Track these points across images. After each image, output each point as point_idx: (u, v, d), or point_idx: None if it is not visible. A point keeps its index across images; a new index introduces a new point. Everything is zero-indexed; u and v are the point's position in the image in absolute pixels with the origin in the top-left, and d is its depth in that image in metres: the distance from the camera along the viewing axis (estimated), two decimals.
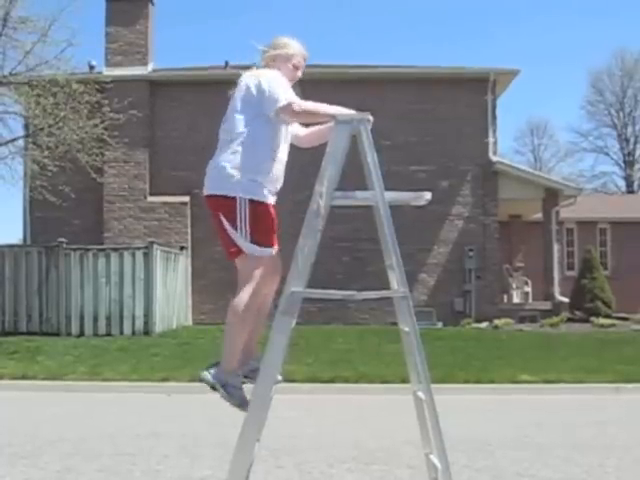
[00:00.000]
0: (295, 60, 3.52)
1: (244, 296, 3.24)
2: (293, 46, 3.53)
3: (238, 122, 3.33)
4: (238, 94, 3.40)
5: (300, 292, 3.05)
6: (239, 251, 3.25)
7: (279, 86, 3.30)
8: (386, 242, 3.14)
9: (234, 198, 3.22)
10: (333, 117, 3.19)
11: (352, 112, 3.22)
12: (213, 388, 3.26)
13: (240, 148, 3.27)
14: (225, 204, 3.23)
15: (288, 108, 3.24)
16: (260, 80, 3.33)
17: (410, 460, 4.87)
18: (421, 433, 3.32)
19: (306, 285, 3.09)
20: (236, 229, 3.21)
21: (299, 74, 3.57)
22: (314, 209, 3.09)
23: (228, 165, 3.25)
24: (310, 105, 3.28)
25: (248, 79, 3.39)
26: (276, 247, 3.35)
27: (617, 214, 21.81)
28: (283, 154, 3.45)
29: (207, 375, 3.26)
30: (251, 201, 3.22)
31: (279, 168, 3.41)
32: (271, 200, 3.36)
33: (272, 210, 3.35)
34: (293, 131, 3.60)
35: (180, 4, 57.40)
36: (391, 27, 59.59)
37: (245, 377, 3.38)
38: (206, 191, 3.33)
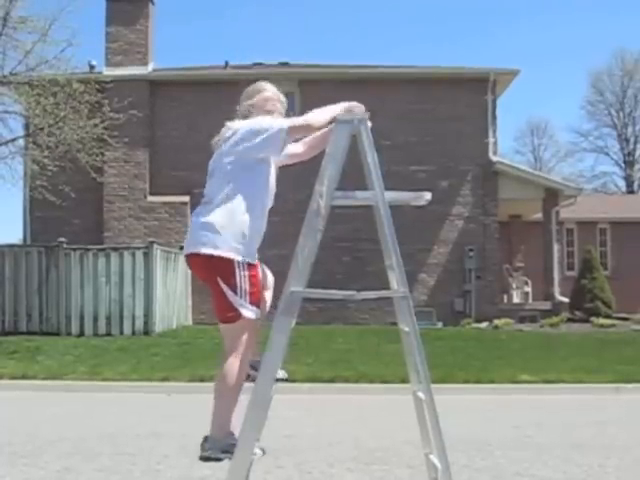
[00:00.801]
0: (270, 104, 3.38)
1: (236, 363, 3.12)
2: (266, 90, 3.43)
3: (225, 177, 3.19)
4: (223, 148, 3.24)
5: (300, 292, 3.05)
6: (238, 315, 3.11)
7: (263, 121, 3.22)
8: (386, 242, 3.14)
9: (231, 260, 3.09)
10: (333, 119, 3.17)
11: (353, 104, 3.19)
12: (220, 460, 3.17)
13: (230, 205, 3.13)
14: (221, 266, 3.09)
15: (290, 131, 3.15)
16: (241, 128, 3.23)
17: (410, 460, 4.87)
18: (421, 433, 3.32)
19: (306, 285, 3.09)
20: (236, 293, 3.09)
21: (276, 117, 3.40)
22: (314, 209, 3.09)
23: (220, 223, 3.11)
24: (307, 117, 3.20)
25: (227, 132, 3.26)
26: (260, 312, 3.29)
27: (617, 214, 21.81)
28: (270, 202, 3.38)
29: (206, 454, 3.20)
30: (249, 264, 3.14)
31: (265, 221, 3.33)
32: (256, 260, 3.30)
33: (257, 269, 3.29)
34: (289, 152, 3.45)
35: (180, 4, 57.44)
36: (391, 27, 59.62)
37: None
38: (194, 249, 3.15)
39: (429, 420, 3.16)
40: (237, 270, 3.09)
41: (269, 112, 3.34)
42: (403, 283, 3.12)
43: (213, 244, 3.09)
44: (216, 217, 3.11)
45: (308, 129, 3.23)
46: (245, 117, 3.37)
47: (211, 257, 3.08)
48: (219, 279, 3.09)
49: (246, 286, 3.10)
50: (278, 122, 3.20)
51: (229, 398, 3.15)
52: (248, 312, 3.12)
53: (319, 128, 3.23)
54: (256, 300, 3.17)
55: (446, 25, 61.27)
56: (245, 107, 3.40)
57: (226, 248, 3.09)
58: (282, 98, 3.46)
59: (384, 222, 3.12)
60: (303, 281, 3.06)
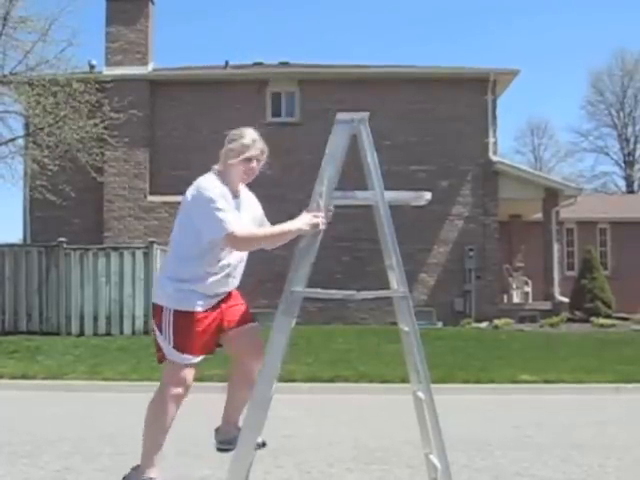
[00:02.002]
0: (249, 153, 3.32)
1: (158, 399, 3.35)
2: (246, 138, 3.36)
3: (176, 233, 3.43)
4: (181, 205, 3.38)
5: (300, 292, 3.05)
6: (162, 356, 3.36)
7: (213, 211, 3.17)
8: (386, 242, 3.14)
9: (160, 307, 3.33)
10: (290, 232, 3.17)
11: (307, 219, 3.14)
12: None
13: (176, 258, 3.36)
14: (157, 311, 3.35)
15: (228, 239, 3.17)
16: (197, 199, 3.24)
17: (410, 460, 4.87)
18: (421, 433, 3.32)
19: (306, 285, 3.09)
20: (162, 333, 3.32)
21: (253, 165, 3.36)
22: (314, 209, 3.09)
23: (164, 275, 3.38)
24: (257, 231, 3.25)
25: (190, 193, 3.31)
26: (200, 356, 3.36)
27: (617, 214, 21.81)
28: (228, 259, 3.35)
29: None
30: (176, 311, 3.28)
31: (223, 273, 3.34)
32: (205, 307, 3.32)
33: (204, 317, 3.31)
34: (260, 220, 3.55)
35: (180, 4, 57.44)
36: (391, 27, 59.60)
37: (220, 447, 3.56)
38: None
39: (429, 420, 3.16)
40: (164, 316, 3.30)
41: (247, 160, 3.32)
42: (403, 283, 3.12)
43: (154, 292, 3.44)
44: (163, 267, 3.44)
45: (251, 242, 3.24)
46: (223, 162, 3.37)
47: (154, 304, 3.40)
48: (154, 322, 3.39)
49: (170, 332, 3.29)
50: (227, 223, 3.15)
51: (153, 432, 3.34)
52: (172, 356, 3.31)
53: (266, 239, 3.29)
54: (184, 347, 3.28)
55: (446, 25, 61.30)
56: (225, 150, 3.38)
57: (160, 295, 3.36)
58: (261, 146, 3.37)
59: (384, 222, 3.12)
60: (303, 281, 3.07)
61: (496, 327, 14.24)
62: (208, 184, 3.27)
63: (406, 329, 3.16)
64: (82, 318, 13.00)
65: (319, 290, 3.19)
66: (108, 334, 12.80)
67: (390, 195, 3.17)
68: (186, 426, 6.17)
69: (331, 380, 9.44)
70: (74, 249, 13.24)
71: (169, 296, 3.29)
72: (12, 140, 13.94)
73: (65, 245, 13.25)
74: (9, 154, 13.71)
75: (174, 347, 3.28)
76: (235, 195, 3.38)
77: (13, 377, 9.79)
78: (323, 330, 13.42)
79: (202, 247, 3.24)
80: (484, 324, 14.84)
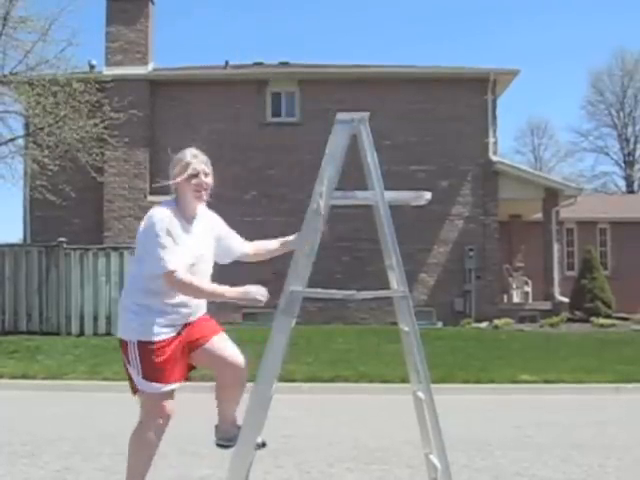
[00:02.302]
0: (192, 168, 3.31)
1: (138, 431, 3.38)
2: (186, 156, 3.36)
3: (133, 266, 3.45)
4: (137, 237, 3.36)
5: (300, 291, 3.05)
6: (135, 387, 3.37)
7: (156, 247, 3.16)
8: (386, 242, 3.14)
9: (124, 341, 3.31)
10: (221, 296, 3.18)
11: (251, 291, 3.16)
12: None
13: (134, 291, 3.32)
14: (123, 344, 3.33)
15: (166, 278, 3.17)
16: (145, 231, 3.24)
17: (410, 460, 4.87)
18: (421, 433, 3.32)
19: (306, 284, 3.09)
20: (130, 365, 3.32)
21: (202, 180, 3.33)
22: (314, 209, 3.08)
23: (124, 307, 3.34)
24: (194, 283, 3.18)
25: (142, 224, 3.30)
26: (172, 384, 3.31)
27: (617, 214, 21.81)
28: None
29: None
30: (139, 342, 3.26)
31: (183, 307, 3.30)
32: (167, 334, 3.28)
33: (168, 345, 3.28)
34: (239, 249, 3.56)
35: (180, 3, 57.44)
36: (391, 27, 59.60)
37: (220, 443, 3.54)
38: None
39: (429, 420, 3.16)
40: (129, 349, 3.28)
41: (193, 176, 3.30)
42: (403, 283, 3.12)
43: (120, 327, 3.37)
44: (122, 300, 3.37)
45: (186, 288, 3.20)
46: (174, 187, 3.37)
47: (120, 339, 3.37)
48: (121, 352, 3.36)
49: (138, 362, 3.28)
50: (166, 262, 3.14)
51: (136, 461, 3.39)
52: (142, 386, 3.30)
53: (199, 292, 3.24)
54: (151, 375, 3.27)
55: (446, 25, 61.30)
56: (172, 176, 3.38)
57: (122, 328, 3.34)
58: (204, 159, 3.37)
59: (384, 222, 3.12)
60: (303, 280, 3.06)
61: (496, 327, 14.24)
62: (156, 216, 3.24)
63: (406, 329, 3.15)
64: (82, 318, 13.00)
65: (319, 290, 3.19)
66: (108, 334, 12.78)
67: (390, 195, 3.17)
68: (186, 426, 6.17)
69: (331, 380, 9.44)
70: (74, 249, 13.24)
71: (132, 329, 3.27)
72: (12, 140, 13.93)
73: (65, 245, 13.25)
74: (9, 154, 13.71)
75: (143, 377, 3.28)
76: (190, 220, 3.35)
77: (13, 377, 9.79)
78: (323, 330, 13.42)
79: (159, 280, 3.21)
80: (484, 324, 14.84)
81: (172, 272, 3.13)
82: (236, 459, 3.06)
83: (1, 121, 13.92)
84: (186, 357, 3.37)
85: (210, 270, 3.43)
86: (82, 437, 5.88)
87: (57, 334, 12.80)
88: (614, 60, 41.28)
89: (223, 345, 3.41)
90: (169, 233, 3.19)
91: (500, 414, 7.62)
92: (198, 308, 3.40)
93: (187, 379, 3.46)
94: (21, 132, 14.56)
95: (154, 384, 3.26)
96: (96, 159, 14.07)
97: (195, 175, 3.31)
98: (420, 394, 3.23)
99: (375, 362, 10.36)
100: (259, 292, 3.16)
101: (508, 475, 4.60)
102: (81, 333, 12.88)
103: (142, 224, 3.29)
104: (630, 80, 41.23)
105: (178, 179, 3.33)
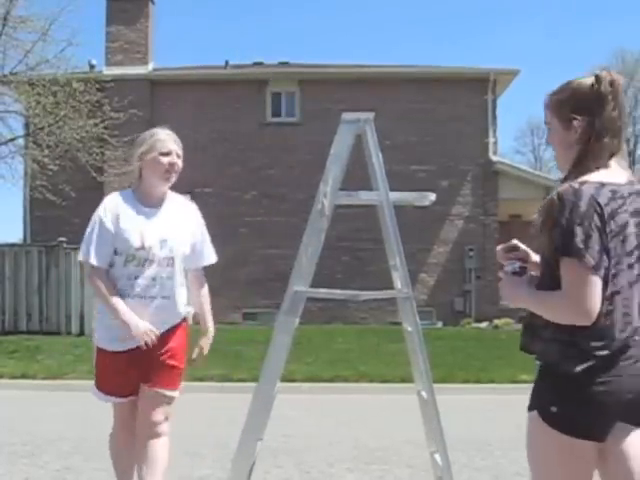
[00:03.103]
0: (163, 147, 3.15)
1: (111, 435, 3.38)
2: (159, 134, 3.21)
3: None
4: None
5: (303, 291, 3.04)
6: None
7: (85, 239, 3.15)
8: (390, 242, 3.13)
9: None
10: (114, 312, 3.07)
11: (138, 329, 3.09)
12: None
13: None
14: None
15: (86, 268, 3.19)
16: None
17: (410, 460, 4.87)
18: (426, 432, 3.32)
19: (309, 285, 3.08)
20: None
21: (174, 160, 3.16)
22: (318, 209, 3.08)
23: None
24: (101, 288, 3.10)
25: None
26: (111, 398, 3.28)
27: None
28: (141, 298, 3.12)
29: None
30: (97, 348, 3.26)
31: (144, 301, 3.11)
32: (115, 347, 3.14)
33: (115, 359, 3.15)
34: (201, 263, 3.36)
35: (180, 3, 57.45)
36: (391, 27, 59.64)
37: None
38: None
39: (431, 419, 3.16)
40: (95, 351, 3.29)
41: (165, 154, 3.14)
42: (407, 283, 3.12)
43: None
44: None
45: (92, 285, 3.17)
46: (138, 168, 3.20)
47: None
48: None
49: (94, 366, 3.33)
50: (82, 252, 3.14)
51: (114, 462, 3.37)
52: (93, 390, 3.37)
53: (97, 295, 3.18)
54: (101, 385, 3.30)
55: (446, 25, 61.34)
56: (137, 155, 3.17)
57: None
58: (176, 139, 3.24)
59: (388, 222, 3.11)
60: (306, 281, 3.06)
61: (496, 327, 14.24)
62: (102, 205, 3.20)
63: (409, 329, 3.15)
64: (82, 318, 12.99)
65: (322, 290, 3.19)
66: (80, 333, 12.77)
67: (394, 196, 3.16)
68: (186, 426, 6.18)
69: (331, 380, 9.43)
70: (74, 249, 13.19)
71: (94, 330, 3.32)
72: (12, 140, 13.93)
73: (65, 245, 13.24)
74: (9, 154, 13.71)
75: (95, 385, 3.33)
76: (154, 204, 3.18)
77: (13, 377, 9.78)
78: (323, 330, 13.41)
79: (113, 273, 3.13)
80: (484, 324, 14.84)
81: (87, 263, 3.10)
82: (238, 459, 3.05)
83: (1, 121, 13.93)
84: (136, 380, 3.19)
85: (177, 261, 3.15)
86: (82, 437, 5.88)
87: (57, 334, 12.79)
88: (614, 60, 41.27)
89: (144, 408, 3.17)
90: (102, 224, 3.11)
91: (500, 414, 7.62)
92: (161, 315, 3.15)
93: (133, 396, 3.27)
94: (21, 132, 14.56)
95: (102, 394, 3.34)
96: (96, 159, 14.07)
97: (167, 154, 3.14)
98: (424, 394, 3.23)
99: (375, 362, 10.35)
100: (146, 335, 3.04)
101: (508, 475, 4.60)
102: (81, 333, 12.87)
103: None
104: (630, 80, 41.18)
105: (149, 158, 3.11)
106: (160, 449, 3.15)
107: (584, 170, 1.99)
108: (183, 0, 57.13)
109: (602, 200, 1.91)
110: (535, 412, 2.03)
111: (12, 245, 14.16)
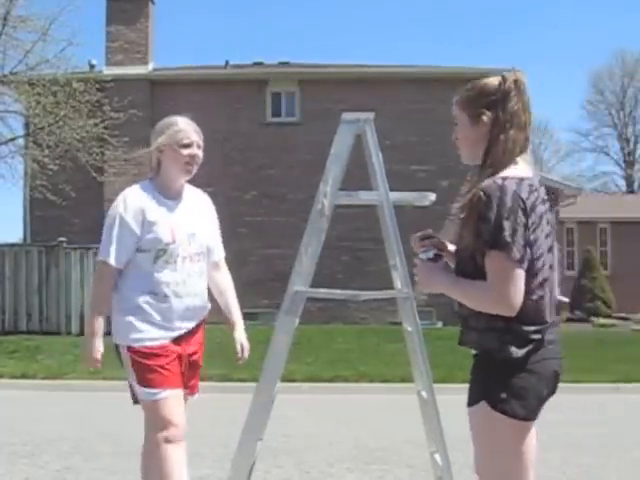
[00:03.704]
0: (185, 138, 3.00)
1: (148, 450, 2.99)
2: (179, 123, 3.07)
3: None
4: None
5: (304, 291, 3.04)
6: (133, 396, 3.08)
7: (104, 238, 2.95)
8: (390, 242, 3.13)
9: (117, 344, 3.03)
10: (87, 323, 3.04)
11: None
12: None
13: (118, 288, 3.01)
14: (117, 349, 3.04)
15: (97, 265, 3.01)
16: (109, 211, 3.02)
17: (410, 460, 4.87)
18: (426, 432, 3.32)
19: (309, 285, 3.08)
20: (126, 370, 3.01)
21: (195, 152, 3.02)
22: (318, 209, 3.08)
23: (113, 309, 3.03)
24: (103, 289, 2.99)
25: None
26: (170, 390, 2.94)
27: (617, 214, 21.80)
28: (185, 283, 2.97)
29: None
30: (129, 347, 2.95)
31: (178, 300, 2.95)
32: (164, 340, 2.96)
33: (166, 349, 2.95)
34: (212, 259, 3.17)
35: (181, 3, 57.44)
36: (391, 26, 59.61)
37: None
38: None
39: (431, 419, 3.16)
40: (122, 354, 3.02)
41: (186, 145, 3.00)
42: (407, 283, 3.12)
43: (112, 331, 3.08)
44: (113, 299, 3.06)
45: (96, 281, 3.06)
46: (156, 159, 3.04)
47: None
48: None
49: (130, 368, 2.99)
50: (101, 252, 2.95)
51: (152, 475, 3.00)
52: (139, 392, 3.00)
53: (93, 294, 3.08)
54: (147, 381, 2.94)
55: (446, 25, 61.33)
56: (156, 146, 3.02)
57: (114, 333, 3.06)
58: (197, 129, 3.11)
59: (388, 222, 3.11)
60: (307, 280, 3.06)
61: None
62: (121, 199, 3.00)
63: (410, 329, 3.15)
64: (82, 318, 12.97)
65: (323, 290, 3.18)
66: (108, 333, 12.71)
67: (394, 196, 3.16)
68: (186, 426, 6.18)
69: (331, 380, 9.43)
70: (74, 249, 13.23)
71: (117, 331, 3.00)
72: (12, 140, 13.94)
73: (65, 245, 13.25)
74: (9, 154, 13.72)
75: (138, 383, 2.95)
76: (175, 197, 3.02)
77: (13, 377, 9.79)
78: (323, 330, 13.41)
79: (139, 271, 2.93)
80: None
81: (102, 262, 2.94)
82: (238, 459, 3.05)
83: (1, 121, 13.95)
84: (182, 372, 3.04)
85: (203, 254, 3.02)
86: (82, 437, 5.88)
87: (57, 334, 12.80)
88: (614, 60, 41.33)
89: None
90: (122, 220, 2.89)
91: None
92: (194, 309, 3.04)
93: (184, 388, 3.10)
94: (21, 132, 14.57)
95: (153, 390, 2.95)
96: (96, 159, 14.07)
97: (188, 145, 2.99)
98: (424, 393, 3.23)
99: (375, 362, 10.35)
100: (90, 363, 2.97)
101: None
102: (81, 333, 12.84)
103: None
104: (630, 80, 41.24)
105: (169, 149, 2.95)
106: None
107: (499, 166, 2.11)
108: (183, 0, 57.12)
109: (524, 195, 2.05)
110: (481, 403, 2.08)
111: (12, 245, 14.17)
